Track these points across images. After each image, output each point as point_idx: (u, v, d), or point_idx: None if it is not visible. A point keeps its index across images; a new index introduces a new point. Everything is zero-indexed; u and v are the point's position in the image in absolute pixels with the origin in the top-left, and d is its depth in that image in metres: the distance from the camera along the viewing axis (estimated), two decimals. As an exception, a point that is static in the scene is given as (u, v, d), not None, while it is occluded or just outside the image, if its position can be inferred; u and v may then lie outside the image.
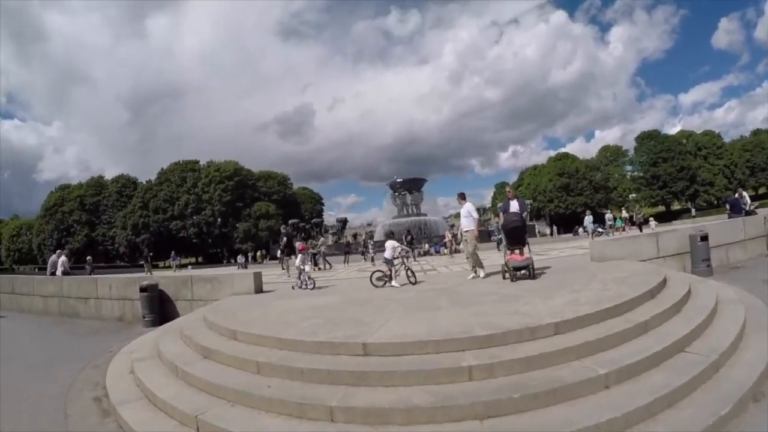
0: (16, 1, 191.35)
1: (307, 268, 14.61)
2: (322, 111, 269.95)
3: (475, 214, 13.29)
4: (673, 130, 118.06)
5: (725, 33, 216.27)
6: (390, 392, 5.46)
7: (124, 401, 6.91)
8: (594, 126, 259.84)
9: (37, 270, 78.79)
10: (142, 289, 14.65)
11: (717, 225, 16.98)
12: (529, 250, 11.78)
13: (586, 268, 12.41)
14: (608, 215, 45.05)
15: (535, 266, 11.47)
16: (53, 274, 21.11)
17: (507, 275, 11.41)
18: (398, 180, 60.28)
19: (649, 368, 5.64)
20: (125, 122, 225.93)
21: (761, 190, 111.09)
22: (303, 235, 50.54)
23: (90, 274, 28.09)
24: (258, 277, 14.46)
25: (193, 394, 6.53)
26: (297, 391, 5.79)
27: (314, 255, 28.60)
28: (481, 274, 12.93)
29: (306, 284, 14.19)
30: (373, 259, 30.25)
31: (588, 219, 38.16)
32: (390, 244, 14.05)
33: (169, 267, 63.15)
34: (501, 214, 13.55)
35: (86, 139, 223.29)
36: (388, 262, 13.61)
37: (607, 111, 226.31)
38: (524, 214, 12.50)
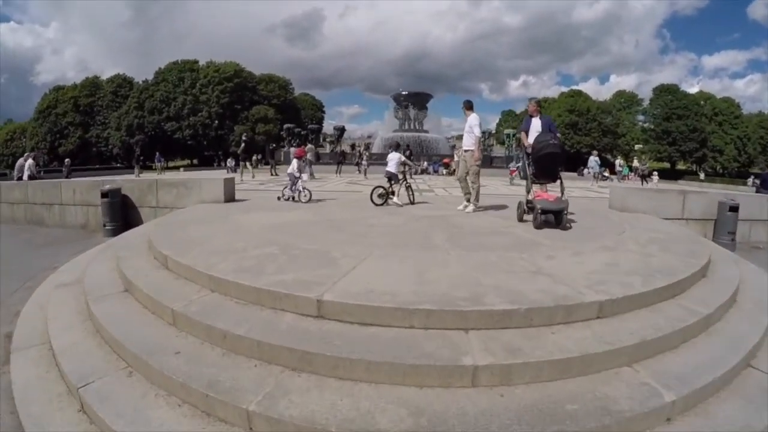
0: None
1: (305, 176, 13.39)
2: (332, 17, 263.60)
3: (478, 131, 11.02)
4: (690, 89, 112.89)
5: (764, 5, 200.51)
6: (344, 394, 3.54)
7: (21, 347, 5.28)
8: (610, 70, 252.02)
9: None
10: (103, 195, 13.40)
11: (747, 198, 15.45)
12: (563, 190, 9.17)
13: (609, 217, 11.09)
14: (618, 161, 42.82)
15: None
16: (20, 179, 19.57)
17: (526, 217, 9.25)
18: (403, 93, 57.95)
19: (717, 391, 3.93)
20: (126, 20, 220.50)
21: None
22: (298, 141, 48.71)
23: (67, 177, 26.05)
24: (229, 183, 13.12)
25: (93, 349, 4.82)
26: (210, 369, 3.92)
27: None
28: (470, 208, 11.02)
29: (300, 195, 13.00)
30: (365, 173, 28.68)
31: (593, 159, 36.54)
32: (395, 156, 13.04)
33: (169, 170, 61.35)
34: (523, 135, 10.49)
35: (85, 40, 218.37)
36: (392, 177, 12.58)
37: (626, 57, 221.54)
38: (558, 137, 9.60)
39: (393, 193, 12.48)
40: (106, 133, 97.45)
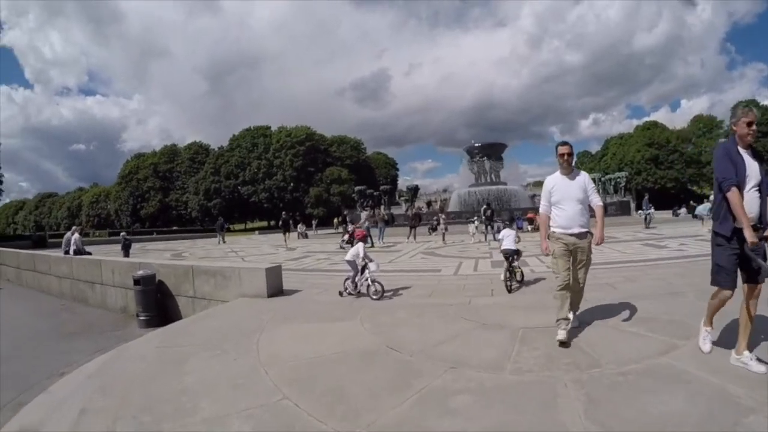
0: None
1: (373, 266, 10.09)
2: (398, 76, 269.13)
3: (597, 199, 6.55)
4: (764, 102, 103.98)
5: None
6: None
7: None
8: (680, 95, 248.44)
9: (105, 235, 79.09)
10: (136, 281, 11.68)
11: None
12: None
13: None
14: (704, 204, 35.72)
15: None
16: (67, 252, 18.14)
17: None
18: (476, 144, 55.23)
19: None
20: (204, 92, 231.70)
21: None
22: (371, 203, 46.82)
23: (123, 246, 24.41)
24: (273, 273, 10.50)
25: None
26: None
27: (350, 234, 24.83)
28: (575, 323, 6.69)
29: (368, 290, 9.90)
30: (444, 236, 25.83)
31: (704, 207, 28.28)
32: (510, 233, 11.07)
33: (246, 231, 59.41)
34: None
35: (167, 110, 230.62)
36: (512, 254, 10.54)
37: (694, 78, 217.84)
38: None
39: (513, 273, 10.42)
40: (185, 197, 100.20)
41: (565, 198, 6.27)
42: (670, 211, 50.41)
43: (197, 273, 11.23)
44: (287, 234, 35.12)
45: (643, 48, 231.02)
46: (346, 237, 24.77)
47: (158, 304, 11.79)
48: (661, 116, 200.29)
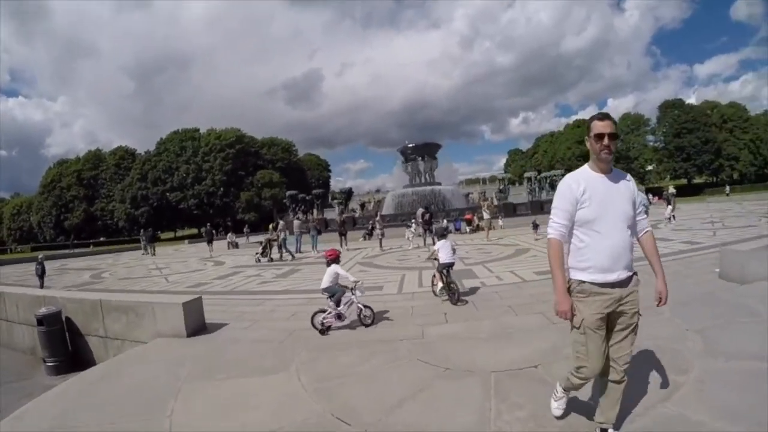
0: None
1: (358, 290, 9.07)
2: (330, 76, 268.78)
3: (647, 221, 4.03)
4: (688, 100, 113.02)
5: (745, 4, 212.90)
6: None
7: None
8: (607, 94, 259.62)
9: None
10: (39, 321, 10.02)
11: None
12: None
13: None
14: (671, 189, 35.93)
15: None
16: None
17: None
18: (410, 145, 54.17)
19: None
20: (131, 93, 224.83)
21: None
22: (303, 208, 45.38)
23: (38, 273, 21.30)
24: (192, 307, 9.06)
25: None
26: None
27: (269, 242, 24.06)
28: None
29: (359, 315, 8.93)
30: (381, 242, 24.84)
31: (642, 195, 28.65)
32: (447, 244, 10.56)
33: (176, 240, 56.85)
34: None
35: (92, 113, 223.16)
36: (444, 269, 10.32)
37: (620, 79, 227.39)
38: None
39: (451, 288, 10.08)
40: (111, 206, 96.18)
41: (607, 215, 3.59)
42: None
43: (107, 309, 9.75)
44: (211, 245, 33.84)
45: (572, 50, 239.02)
46: (260, 249, 24.00)
47: (68, 345, 10.32)
48: (588, 114, 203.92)
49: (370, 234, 32.32)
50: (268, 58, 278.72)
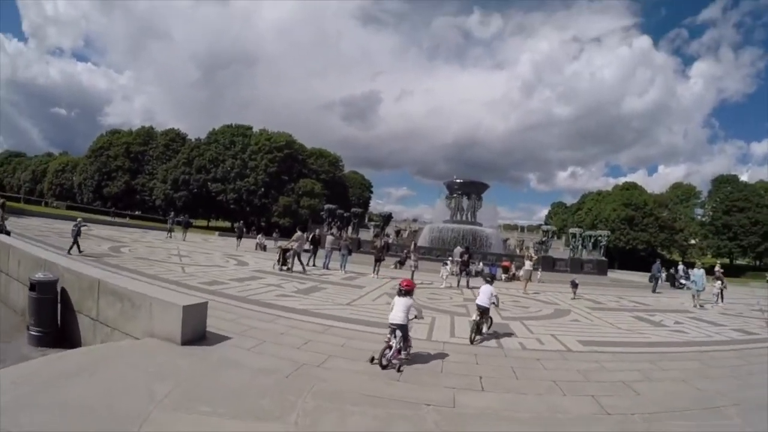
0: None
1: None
2: (389, 100, 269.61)
3: None
4: (741, 178, 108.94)
5: None
6: None
7: None
8: (659, 160, 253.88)
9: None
10: (32, 286, 9.14)
11: None
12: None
13: None
14: (698, 270, 27.96)
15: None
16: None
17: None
18: (457, 180, 52.97)
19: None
20: (195, 81, 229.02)
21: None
22: (339, 224, 44.20)
23: (74, 235, 20.31)
24: (195, 313, 7.94)
25: None
26: None
27: (284, 251, 22.75)
28: None
29: (401, 359, 8.09)
30: (413, 275, 22.97)
31: (698, 272, 24.14)
32: (488, 289, 11.15)
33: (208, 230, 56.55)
34: None
35: (155, 92, 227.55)
36: (485, 311, 11.02)
37: (675, 147, 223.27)
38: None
39: (479, 328, 10.82)
40: (152, 184, 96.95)
41: None
42: (641, 273, 49.07)
43: (103, 291, 8.68)
44: (239, 241, 34.86)
45: (631, 111, 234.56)
46: (277, 257, 22.91)
47: (57, 319, 9.45)
48: (637, 178, 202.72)
49: (402, 263, 31.07)
50: (331, 73, 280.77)
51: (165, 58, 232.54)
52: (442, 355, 9.13)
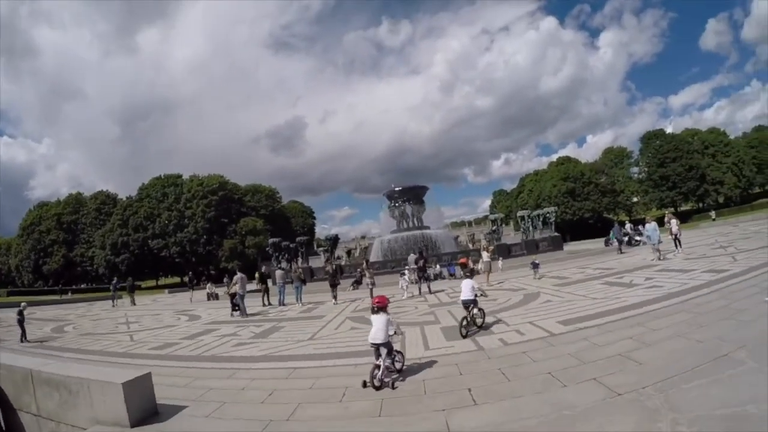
0: (4, 15, 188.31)
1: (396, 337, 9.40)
2: (313, 124, 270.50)
3: None
4: (667, 131, 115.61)
5: (713, 34, 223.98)
6: None
7: None
8: (585, 131, 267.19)
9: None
10: None
11: None
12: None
13: None
14: (649, 224, 27.53)
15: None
16: None
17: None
18: (396, 189, 52.61)
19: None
20: (116, 137, 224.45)
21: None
22: (287, 256, 43.16)
23: (19, 321, 18.53)
24: (139, 388, 7.06)
25: None
26: None
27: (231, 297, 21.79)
28: None
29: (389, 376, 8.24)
30: (372, 293, 21.97)
31: (650, 226, 24.67)
32: (469, 283, 11.90)
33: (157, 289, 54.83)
34: None
35: (77, 156, 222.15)
36: (471, 303, 11.66)
37: (598, 116, 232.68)
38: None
39: (473, 320, 11.64)
40: (91, 252, 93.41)
41: None
42: (594, 240, 49.96)
43: (38, 382, 7.76)
44: (192, 293, 34.33)
45: (549, 90, 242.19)
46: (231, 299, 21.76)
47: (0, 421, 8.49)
48: (568, 152, 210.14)
49: (358, 282, 30.25)
50: (252, 106, 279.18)
51: (82, 118, 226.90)
52: (421, 373, 8.52)
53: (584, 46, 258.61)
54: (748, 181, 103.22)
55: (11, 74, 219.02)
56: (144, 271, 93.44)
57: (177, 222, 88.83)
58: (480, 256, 28.71)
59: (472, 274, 29.11)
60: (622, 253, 30.52)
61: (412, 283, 24.07)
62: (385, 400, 7.20)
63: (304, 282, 25.16)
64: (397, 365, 8.62)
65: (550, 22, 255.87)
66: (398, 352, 8.84)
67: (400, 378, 8.39)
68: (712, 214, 77.57)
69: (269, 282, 26.95)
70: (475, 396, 6.90)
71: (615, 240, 33.93)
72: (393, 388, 7.80)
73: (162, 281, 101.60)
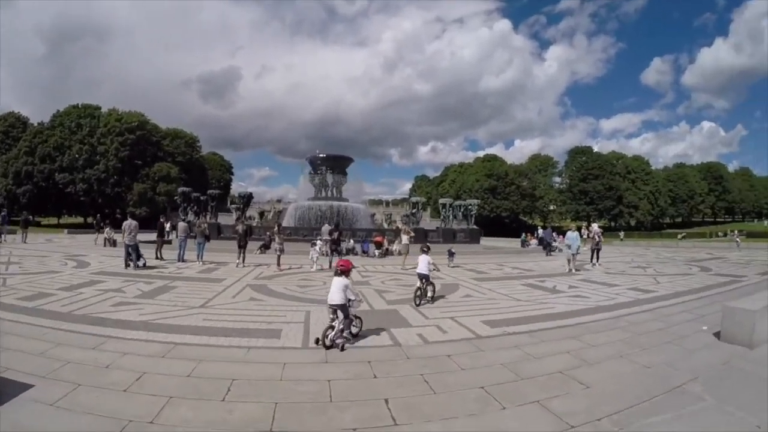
0: None
1: (355, 303, 9.02)
2: (249, 77, 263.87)
3: None
4: (595, 148, 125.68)
5: (655, 72, 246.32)
6: None
7: None
8: (515, 135, 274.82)
9: None
10: None
11: None
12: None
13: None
14: (572, 232, 26.47)
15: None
16: None
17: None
18: (320, 155, 50.71)
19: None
20: (40, 56, 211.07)
21: (678, 220, 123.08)
22: (196, 208, 41.07)
23: None
24: None
25: None
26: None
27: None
28: None
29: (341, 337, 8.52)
30: (279, 260, 21.25)
31: (572, 235, 22.79)
32: (425, 258, 13.34)
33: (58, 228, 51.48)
34: None
35: None
36: (425, 277, 13.06)
37: (530, 122, 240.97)
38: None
39: (425, 294, 12.97)
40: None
41: None
42: (509, 240, 50.55)
43: None
44: (97, 235, 32.87)
45: (488, 89, 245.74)
46: None
47: None
48: (495, 151, 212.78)
49: (267, 247, 28.87)
50: (189, 48, 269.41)
51: (5, 29, 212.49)
52: (326, 367, 7.35)
53: (531, 55, 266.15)
54: (661, 210, 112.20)
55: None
56: (46, 206, 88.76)
57: (88, 157, 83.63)
58: (397, 237, 28.19)
59: (386, 253, 28.93)
60: (548, 256, 31.77)
61: (323, 255, 23.03)
62: (279, 405, 5.79)
63: (207, 238, 23.59)
64: (354, 330, 8.86)
65: (504, 24, 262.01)
66: (357, 317, 9.02)
67: (352, 342, 8.57)
68: (621, 234, 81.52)
69: (173, 235, 25.48)
70: (395, 411, 5.65)
71: (544, 242, 34.85)
72: (342, 350, 8.16)
73: (65, 220, 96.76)
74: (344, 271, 8.94)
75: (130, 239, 19.69)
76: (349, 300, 8.63)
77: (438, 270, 14.64)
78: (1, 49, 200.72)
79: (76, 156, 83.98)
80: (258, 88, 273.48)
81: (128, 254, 19.62)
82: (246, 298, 13.25)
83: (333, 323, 8.50)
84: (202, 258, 22.42)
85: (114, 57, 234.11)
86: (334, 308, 8.55)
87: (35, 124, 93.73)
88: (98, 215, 39.25)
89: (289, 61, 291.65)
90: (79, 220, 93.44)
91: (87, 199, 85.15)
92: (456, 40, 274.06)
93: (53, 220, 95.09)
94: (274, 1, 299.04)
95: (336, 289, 8.57)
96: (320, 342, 8.29)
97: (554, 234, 42.04)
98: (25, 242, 33.29)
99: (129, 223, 20.33)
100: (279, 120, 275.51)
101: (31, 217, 45.65)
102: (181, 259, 22.66)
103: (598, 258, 24.08)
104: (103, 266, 20.06)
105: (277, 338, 9.09)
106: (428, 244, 16.67)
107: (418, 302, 12.43)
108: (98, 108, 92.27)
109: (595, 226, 26.87)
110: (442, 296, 14.12)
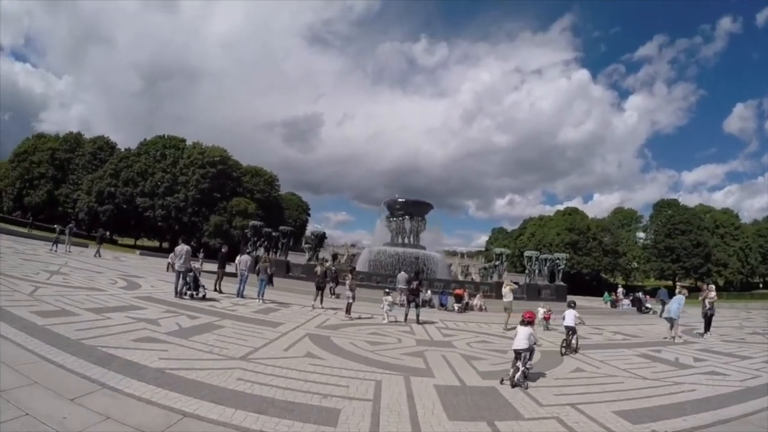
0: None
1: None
2: (331, 123, 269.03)
3: None
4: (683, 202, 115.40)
5: (738, 119, 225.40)
6: None
7: None
8: (594, 188, 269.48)
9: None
10: None
11: None
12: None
13: None
14: (679, 295, 22.26)
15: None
16: None
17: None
18: (399, 200, 48.30)
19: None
20: (135, 91, 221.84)
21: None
22: (266, 244, 39.06)
23: None
24: None
25: None
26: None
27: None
28: None
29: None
30: (349, 308, 18.12)
31: (677, 298, 18.94)
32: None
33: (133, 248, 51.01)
34: None
35: (93, 100, 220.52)
36: (567, 331, 13.31)
37: (609, 176, 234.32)
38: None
39: (569, 345, 13.00)
40: (76, 195, 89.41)
41: None
42: (591, 298, 47.34)
43: None
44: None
45: (567, 141, 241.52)
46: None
47: None
48: (573, 205, 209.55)
49: (332, 290, 26.19)
50: (274, 92, 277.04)
51: (106, 64, 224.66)
52: None
53: (611, 105, 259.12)
54: (751, 268, 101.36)
55: (50, 5, 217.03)
56: (125, 227, 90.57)
57: (169, 185, 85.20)
58: (477, 290, 25.50)
59: (465, 308, 25.90)
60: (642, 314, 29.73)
61: (399, 305, 20.64)
62: None
63: (271, 278, 21.37)
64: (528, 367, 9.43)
65: (582, 75, 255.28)
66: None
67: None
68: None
69: (235, 268, 23.30)
70: None
71: (660, 303, 29.55)
72: (526, 389, 8.86)
73: (141, 242, 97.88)
74: (530, 322, 9.88)
75: (180, 265, 17.88)
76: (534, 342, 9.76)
77: (584, 324, 14.98)
78: (102, 83, 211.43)
79: (158, 183, 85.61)
80: (339, 135, 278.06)
81: (181, 282, 17.61)
82: (302, 353, 10.47)
83: (518, 364, 9.15)
84: (262, 296, 20.05)
85: (202, 97, 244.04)
86: (519, 352, 9.30)
87: (122, 150, 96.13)
88: (180, 240, 37.75)
89: (370, 110, 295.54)
90: (155, 243, 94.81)
91: (164, 225, 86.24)
92: (534, 91, 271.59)
93: (129, 241, 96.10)
94: (357, 51, 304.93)
95: (522, 337, 9.50)
96: (505, 382, 9.13)
97: (642, 295, 38.18)
98: (97, 256, 32.95)
99: (181, 248, 18.60)
100: (358, 166, 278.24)
101: (107, 233, 44.90)
102: (240, 294, 20.39)
103: (709, 327, 19.73)
104: (152, 291, 18.30)
105: (333, 426, 6.31)
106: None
107: (563, 352, 12.65)
108: (183, 140, 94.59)
109: (711, 290, 21.50)
110: (547, 370, 10.75)
